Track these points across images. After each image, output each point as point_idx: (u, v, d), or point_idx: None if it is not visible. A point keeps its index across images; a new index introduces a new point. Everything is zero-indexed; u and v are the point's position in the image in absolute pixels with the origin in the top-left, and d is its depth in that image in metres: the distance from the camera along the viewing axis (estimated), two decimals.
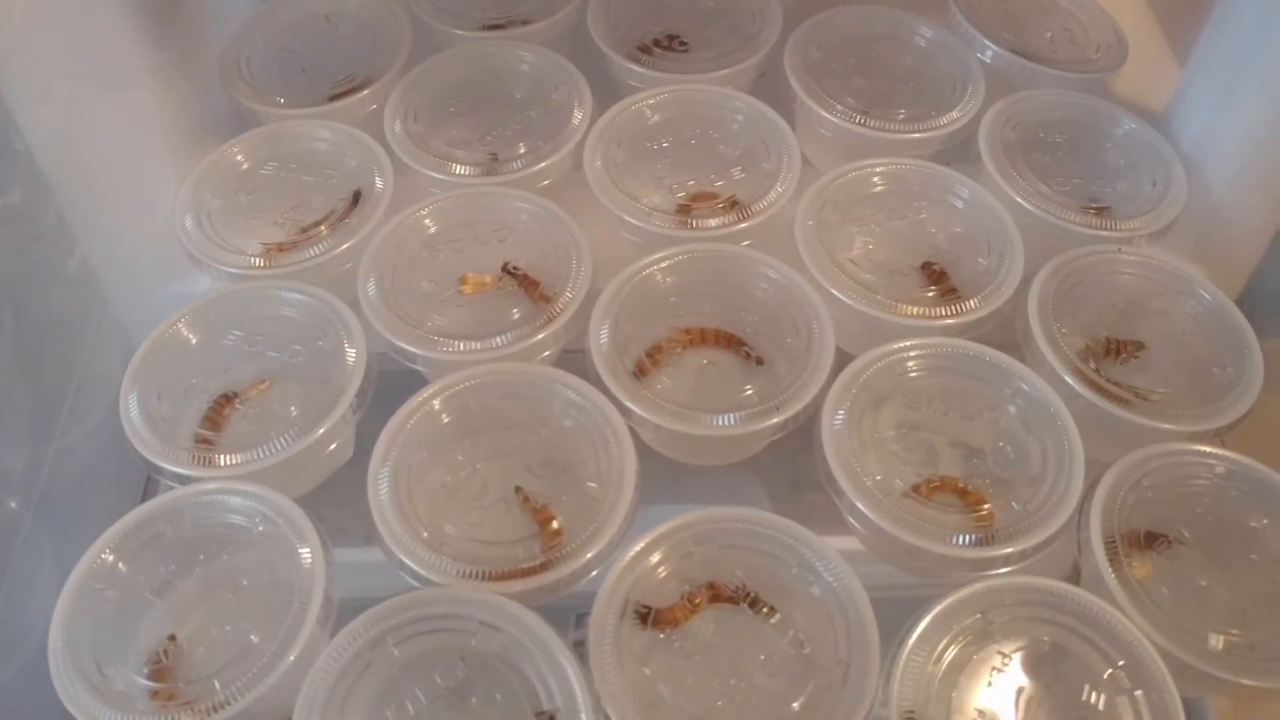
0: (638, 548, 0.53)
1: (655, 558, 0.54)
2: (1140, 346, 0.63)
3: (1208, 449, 0.58)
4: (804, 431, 0.59)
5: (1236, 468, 0.58)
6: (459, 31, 0.77)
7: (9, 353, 0.55)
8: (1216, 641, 0.52)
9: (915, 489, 0.56)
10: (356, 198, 0.68)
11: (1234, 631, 0.53)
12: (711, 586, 0.53)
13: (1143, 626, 0.52)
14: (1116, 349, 0.62)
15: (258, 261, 0.65)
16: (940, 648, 0.51)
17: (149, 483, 0.63)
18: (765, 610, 0.53)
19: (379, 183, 0.68)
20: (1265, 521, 0.57)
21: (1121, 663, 0.51)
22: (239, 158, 0.71)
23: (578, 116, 0.72)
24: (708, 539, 0.54)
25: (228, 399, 0.60)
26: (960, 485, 0.57)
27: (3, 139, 0.56)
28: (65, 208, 0.62)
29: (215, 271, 0.65)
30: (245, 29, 0.78)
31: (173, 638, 0.52)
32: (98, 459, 0.61)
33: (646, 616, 0.52)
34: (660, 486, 0.58)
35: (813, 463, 0.58)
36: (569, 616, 0.54)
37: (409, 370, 0.62)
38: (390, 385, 0.61)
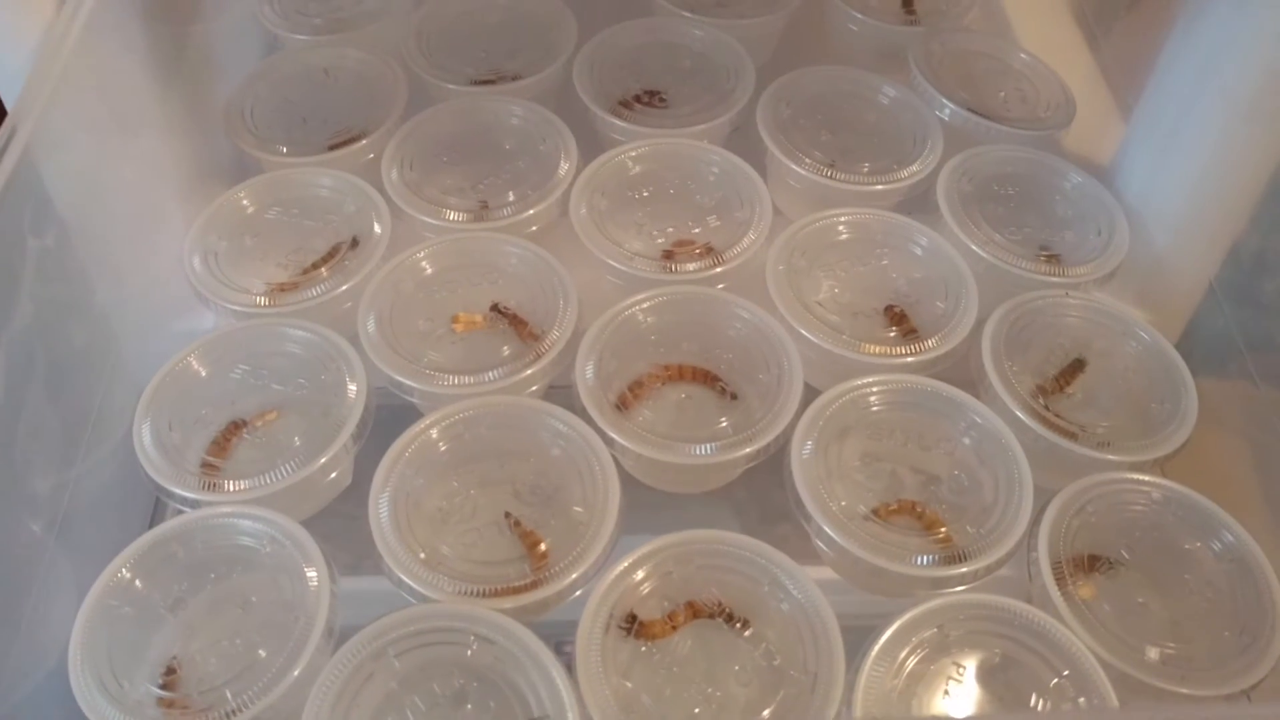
0: (622, 567, 0.57)
1: (638, 576, 0.57)
2: (1081, 365, 0.67)
3: (1145, 477, 0.62)
4: (773, 467, 0.63)
5: (1172, 494, 0.62)
6: (452, 86, 0.81)
7: (40, 383, 0.58)
8: (1153, 654, 0.56)
9: (875, 512, 0.60)
10: (354, 243, 0.72)
11: (1169, 645, 0.57)
12: (690, 605, 0.57)
13: (1085, 640, 0.56)
14: (1065, 380, 0.67)
15: (262, 300, 0.68)
16: (901, 659, 0.55)
17: (157, 507, 0.66)
18: (739, 625, 0.56)
19: (377, 227, 0.72)
20: (1198, 544, 0.61)
21: (1066, 673, 0.55)
22: (244, 202, 0.74)
23: (564, 167, 0.76)
24: (687, 559, 0.58)
25: (237, 426, 0.63)
26: (918, 510, 0.61)
27: (38, 187, 0.59)
28: (83, 250, 0.65)
29: (221, 309, 0.69)
30: (248, 81, 0.82)
31: (176, 661, 0.55)
32: (111, 484, 0.64)
33: (632, 625, 0.56)
34: (639, 518, 0.61)
35: (781, 497, 0.62)
36: (556, 633, 0.58)
37: (403, 404, 0.66)
38: (385, 418, 0.65)
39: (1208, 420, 0.66)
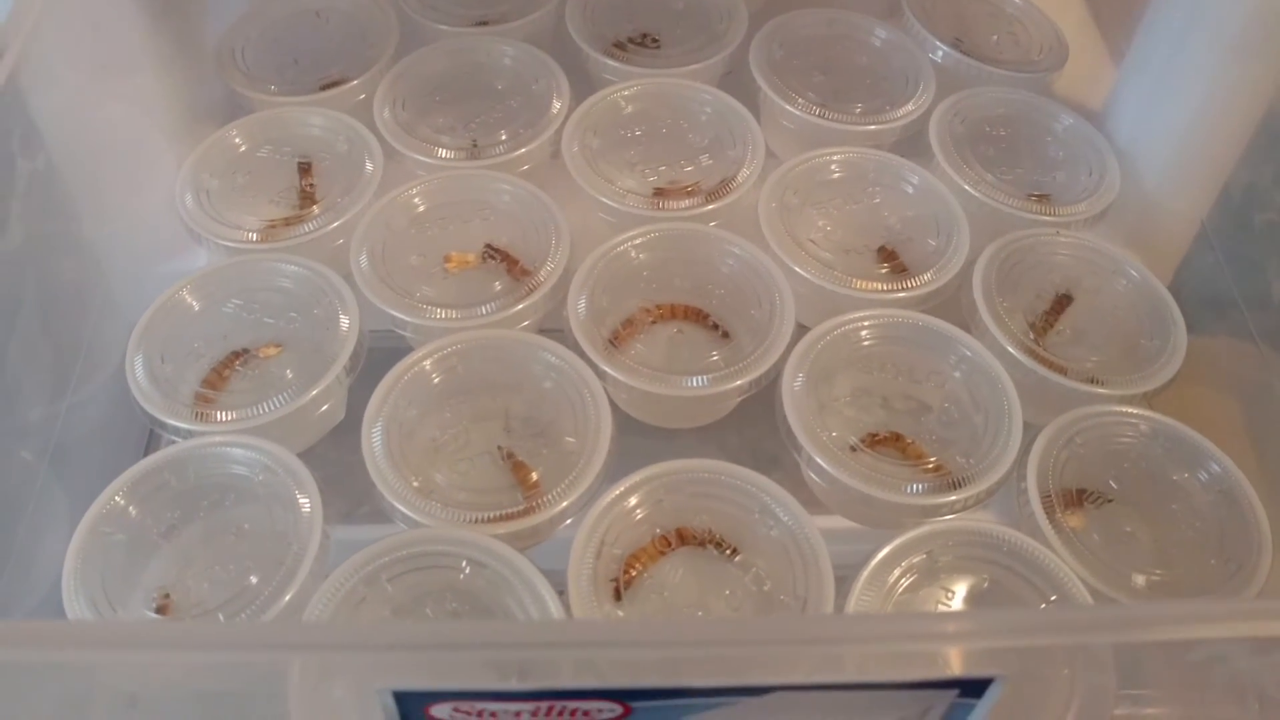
0: (614, 494, 0.57)
1: (630, 503, 0.57)
2: (1067, 300, 0.68)
3: (1133, 410, 0.63)
4: (764, 408, 0.63)
5: (1160, 427, 0.62)
6: (444, 27, 0.81)
7: (33, 312, 0.58)
8: (1140, 580, 0.57)
9: (862, 440, 0.61)
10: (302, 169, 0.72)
11: (1156, 572, 0.57)
12: (680, 532, 0.57)
13: (1073, 566, 0.56)
14: (1053, 317, 0.67)
15: (254, 237, 0.68)
16: (890, 583, 0.55)
17: (151, 438, 0.66)
18: (729, 551, 0.57)
19: (369, 165, 0.72)
20: (1185, 475, 0.61)
21: (1054, 598, 0.55)
22: (236, 141, 0.74)
23: (556, 106, 0.76)
24: (677, 488, 0.58)
25: (237, 355, 0.63)
26: (905, 443, 0.61)
27: (22, 113, 0.59)
28: (72, 185, 0.65)
29: (214, 246, 0.69)
30: (240, 21, 0.82)
31: (168, 587, 0.56)
32: (105, 416, 0.64)
33: (618, 591, 0.56)
34: (629, 459, 0.60)
35: (772, 441, 0.62)
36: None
37: (396, 346, 0.66)
38: (379, 359, 0.65)
39: (1197, 357, 0.66)
